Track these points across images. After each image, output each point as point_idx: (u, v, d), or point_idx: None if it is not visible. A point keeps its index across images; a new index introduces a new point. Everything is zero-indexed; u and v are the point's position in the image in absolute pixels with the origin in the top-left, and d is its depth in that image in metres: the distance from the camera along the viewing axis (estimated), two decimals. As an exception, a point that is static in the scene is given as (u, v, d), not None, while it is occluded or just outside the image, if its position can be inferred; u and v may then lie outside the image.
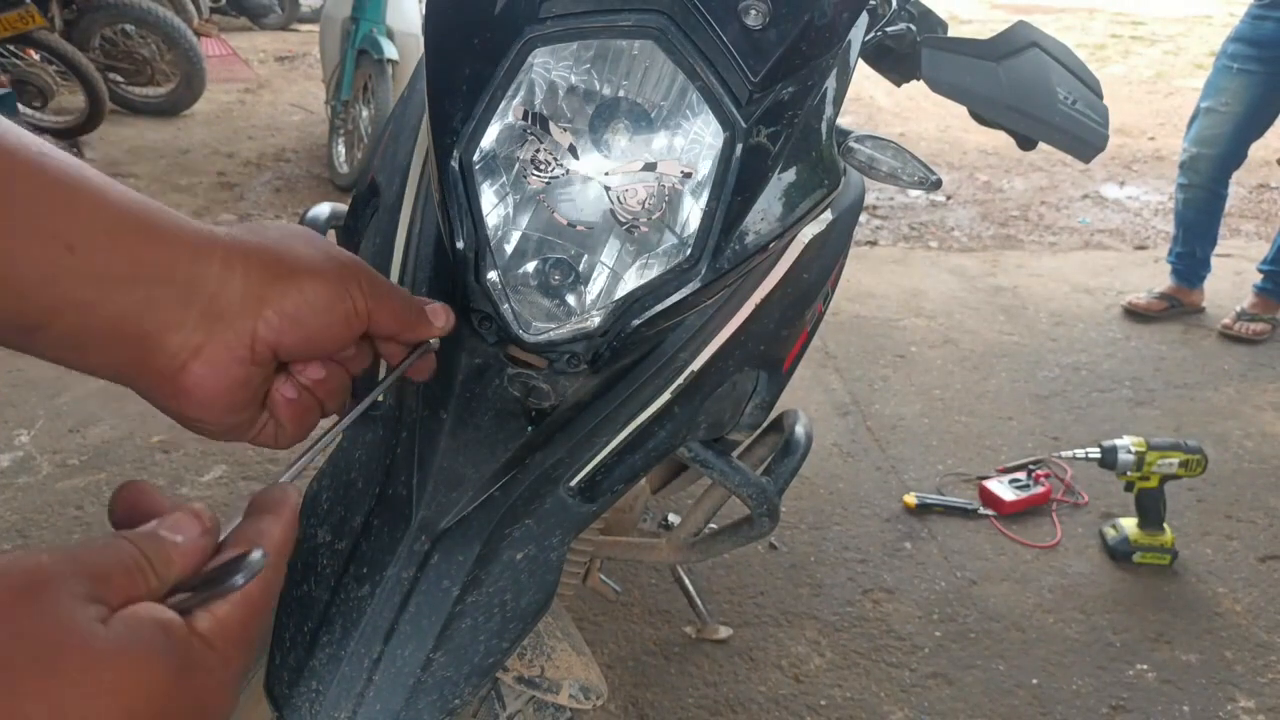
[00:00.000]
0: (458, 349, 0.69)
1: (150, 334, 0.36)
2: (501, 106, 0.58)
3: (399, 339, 0.44)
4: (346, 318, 0.40)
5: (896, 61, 1.04)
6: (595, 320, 0.61)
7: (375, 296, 0.42)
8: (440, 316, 0.47)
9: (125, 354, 0.36)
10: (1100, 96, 0.99)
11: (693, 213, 0.59)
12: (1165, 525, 1.84)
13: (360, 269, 0.42)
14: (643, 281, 0.60)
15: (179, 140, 4.46)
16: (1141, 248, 3.66)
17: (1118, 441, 1.82)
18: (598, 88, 0.59)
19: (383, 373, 0.54)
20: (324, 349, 0.41)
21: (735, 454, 0.94)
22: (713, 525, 1.00)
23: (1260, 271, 2.88)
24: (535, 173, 0.59)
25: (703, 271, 0.60)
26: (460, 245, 0.59)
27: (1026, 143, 1.00)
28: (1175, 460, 1.80)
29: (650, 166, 0.59)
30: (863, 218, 3.75)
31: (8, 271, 0.32)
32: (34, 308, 0.33)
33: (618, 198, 0.60)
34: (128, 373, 0.37)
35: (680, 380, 0.75)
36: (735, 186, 0.59)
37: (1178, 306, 2.96)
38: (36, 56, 4.04)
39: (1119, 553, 1.85)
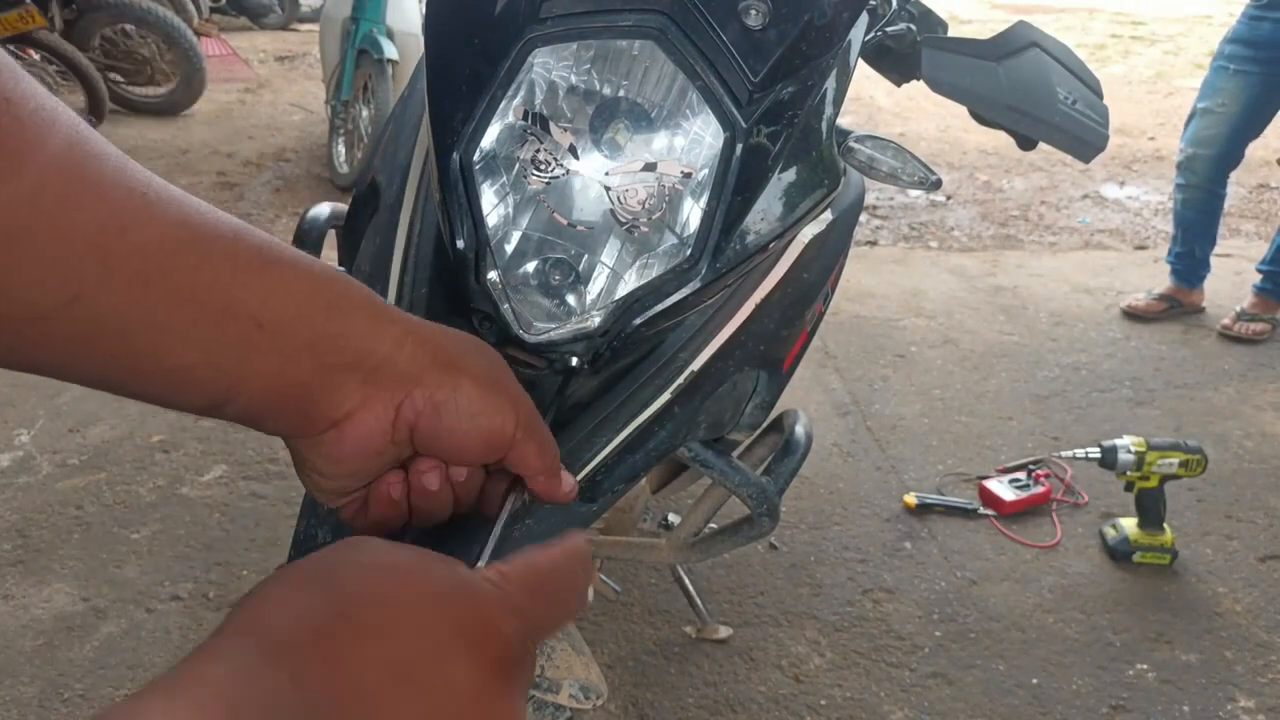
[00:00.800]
0: None
1: (317, 398, 0.37)
2: (501, 106, 0.58)
3: (529, 479, 0.44)
4: (488, 436, 0.40)
5: (896, 61, 1.04)
6: (595, 320, 0.60)
7: (526, 432, 0.41)
8: (570, 485, 0.46)
9: (295, 417, 0.37)
10: (1100, 96, 0.99)
11: (693, 213, 0.59)
12: (1165, 525, 1.84)
13: (524, 401, 0.42)
14: (643, 281, 0.60)
15: (179, 140, 4.46)
16: (1141, 248, 3.66)
17: (1118, 441, 1.82)
18: (598, 88, 0.59)
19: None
20: (456, 453, 0.40)
21: (735, 454, 0.94)
22: (713, 525, 1.00)
23: (1260, 271, 2.88)
24: (535, 173, 0.59)
25: (703, 271, 0.60)
26: (460, 245, 0.59)
27: (1026, 143, 1.00)
28: (1175, 460, 1.80)
29: (650, 166, 0.59)
30: (863, 218, 3.75)
31: (203, 351, 0.34)
32: (224, 380, 0.35)
33: (618, 198, 0.59)
34: (289, 430, 0.38)
35: (680, 380, 0.75)
36: (735, 186, 0.59)
37: (1177, 307, 2.96)
38: (37, 56, 4.03)
39: (1119, 553, 1.85)
